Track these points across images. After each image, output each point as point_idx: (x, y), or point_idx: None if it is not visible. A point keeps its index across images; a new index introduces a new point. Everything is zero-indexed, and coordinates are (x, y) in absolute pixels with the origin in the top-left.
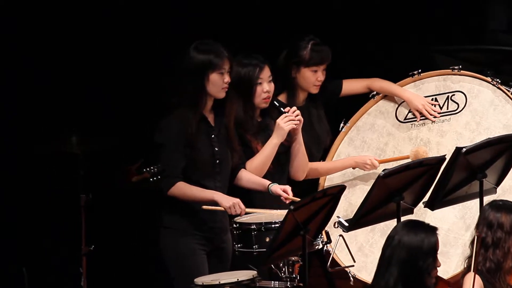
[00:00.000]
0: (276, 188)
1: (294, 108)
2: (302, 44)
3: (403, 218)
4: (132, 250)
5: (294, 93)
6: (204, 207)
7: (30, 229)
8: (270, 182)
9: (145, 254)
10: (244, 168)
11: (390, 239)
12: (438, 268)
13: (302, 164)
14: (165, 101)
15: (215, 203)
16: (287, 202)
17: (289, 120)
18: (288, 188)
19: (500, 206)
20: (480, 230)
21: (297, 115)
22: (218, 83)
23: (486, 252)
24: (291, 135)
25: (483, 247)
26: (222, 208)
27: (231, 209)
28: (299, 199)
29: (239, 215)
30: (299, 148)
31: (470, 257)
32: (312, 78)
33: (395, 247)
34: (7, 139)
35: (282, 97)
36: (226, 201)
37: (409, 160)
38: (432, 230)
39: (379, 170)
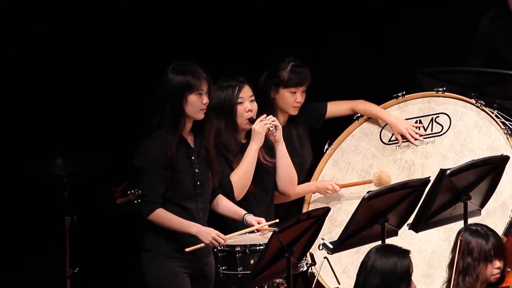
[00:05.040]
0: (251, 219)
1: (271, 116)
2: (282, 65)
3: (387, 240)
4: (116, 272)
5: (273, 114)
6: (187, 250)
7: (14, 250)
8: (246, 212)
9: (129, 277)
10: (221, 193)
11: (363, 265)
12: None
13: (289, 176)
14: (146, 123)
15: (195, 237)
16: (261, 233)
17: (264, 124)
18: (262, 219)
19: (473, 231)
20: (453, 254)
21: (273, 120)
22: (196, 104)
23: (458, 277)
24: (273, 150)
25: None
26: (204, 244)
27: (212, 244)
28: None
29: (222, 246)
30: (284, 159)
31: (447, 281)
32: (290, 99)
33: (369, 273)
34: None
35: None
36: (205, 238)
37: (372, 185)
38: (404, 253)
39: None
